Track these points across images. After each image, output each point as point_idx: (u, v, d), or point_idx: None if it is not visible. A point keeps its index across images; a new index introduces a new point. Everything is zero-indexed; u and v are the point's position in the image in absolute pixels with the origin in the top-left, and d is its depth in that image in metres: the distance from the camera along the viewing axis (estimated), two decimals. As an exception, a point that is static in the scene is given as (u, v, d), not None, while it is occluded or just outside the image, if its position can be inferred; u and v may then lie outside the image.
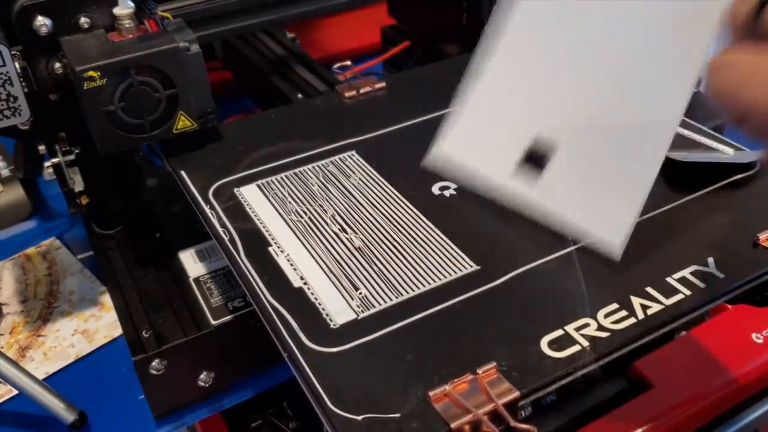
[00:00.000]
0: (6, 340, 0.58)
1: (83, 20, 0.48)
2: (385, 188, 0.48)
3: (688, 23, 0.34)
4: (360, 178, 0.49)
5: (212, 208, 0.46)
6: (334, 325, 0.38)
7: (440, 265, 0.41)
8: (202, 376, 0.49)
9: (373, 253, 0.42)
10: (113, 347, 0.58)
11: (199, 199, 0.47)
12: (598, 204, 0.37)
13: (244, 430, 0.51)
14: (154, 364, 0.46)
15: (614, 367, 0.39)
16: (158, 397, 0.48)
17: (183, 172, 0.50)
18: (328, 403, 0.33)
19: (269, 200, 0.47)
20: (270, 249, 0.43)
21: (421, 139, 0.52)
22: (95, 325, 0.59)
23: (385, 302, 0.39)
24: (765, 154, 0.45)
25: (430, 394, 0.33)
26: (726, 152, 0.49)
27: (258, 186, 0.48)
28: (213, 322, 0.48)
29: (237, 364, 0.50)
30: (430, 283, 0.40)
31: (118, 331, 0.58)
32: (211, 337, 0.48)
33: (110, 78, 0.45)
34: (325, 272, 0.41)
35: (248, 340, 0.49)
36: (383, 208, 0.46)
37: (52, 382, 0.55)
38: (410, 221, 0.45)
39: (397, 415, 0.33)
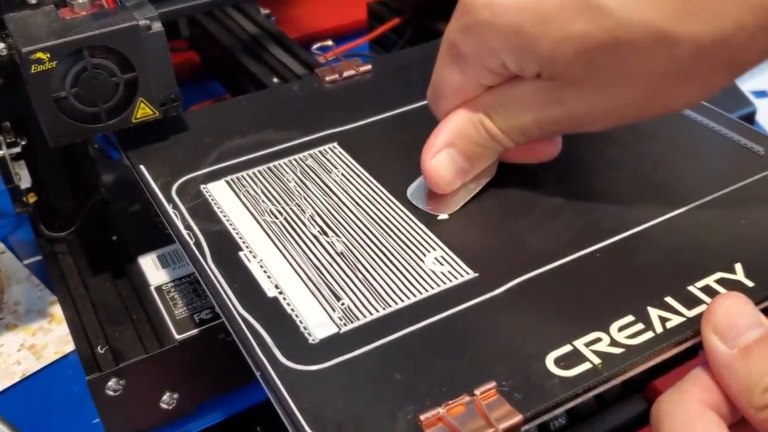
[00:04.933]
0: (-58, 356, 0.58)
1: (30, -6, 0.47)
2: (371, 185, 0.48)
3: None
4: (342, 174, 0.49)
5: (176, 207, 0.46)
6: (313, 339, 0.37)
7: (433, 272, 0.41)
8: (164, 397, 0.48)
9: (357, 258, 0.42)
10: (64, 364, 0.58)
11: (161, 197, 0.47)
12: None
13: (213, 458, 0.51)
14: (110, 383, 0.46)
15: (630, 386, 0.39)
16: (115, 420, 0.48)
17: (143, 167, 0.50)
18: (306, 428, 0.33)
19: (240, 198, 0.47)
20: (241, 254, 0.43)
21: (412, 129, 0.52)
22: (44, 340, 0.59)
23: (371, 314, 0.39)
24: None
25: (422, 417, 0.33)
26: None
27: (227, 182, 0.48)
28: (177, 337, 0.48)
29: (204, 383, 0.50)
30: (421, 293, 0.40)
31: (70, 346, 0.58)
32: (174, 353, 0.48)
33: (61, 60, 0.45)
34: (302, 280, 0.41)
35: (217, 356, 0.49)
36: (369, 207, 0.46)
37: (-6, 404, 0.54)
38: (399, 223, 0.44)
39: (385, 441, 0.33)
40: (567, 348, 0.36)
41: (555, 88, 0.40)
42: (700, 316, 0.37)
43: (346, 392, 0.35)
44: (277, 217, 0.45)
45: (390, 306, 0.39)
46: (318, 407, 0.34)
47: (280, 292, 0.40)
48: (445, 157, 0.44)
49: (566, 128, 0.43)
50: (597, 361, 0.35)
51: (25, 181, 0.57)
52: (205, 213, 0.46)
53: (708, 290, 0.39)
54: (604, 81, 0.39)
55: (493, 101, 0.42)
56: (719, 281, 0.39)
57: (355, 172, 0.49)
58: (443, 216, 0.45)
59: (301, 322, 0.38)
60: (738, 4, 0.35)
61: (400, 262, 0.42)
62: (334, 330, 0.38)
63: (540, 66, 0.39)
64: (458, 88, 0.43)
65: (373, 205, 0.46)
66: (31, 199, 0.58)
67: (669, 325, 0.37)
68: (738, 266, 0.40)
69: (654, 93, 0.39)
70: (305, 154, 0.51)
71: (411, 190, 0.47)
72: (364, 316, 0.39)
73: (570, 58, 0.38)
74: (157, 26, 0.48)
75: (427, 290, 0.40)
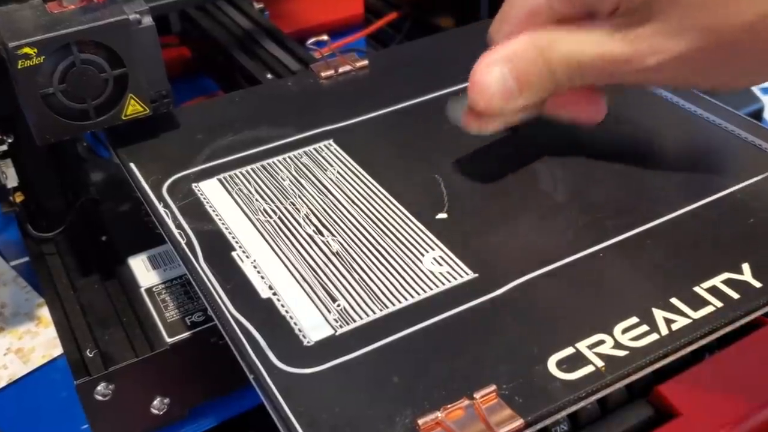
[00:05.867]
0: (-73, 360, 0.58)
1: (17, -12, 0.47)
2: (368, 183, 0.47)
3: None
4: (338, 172, 0.49)
5: (167, 206, 0.46)
6: (308, 342, 0.37)
7: (432, 272, 0.41)
8: (155, 402, 0.48)
9: (353, 258, 0.42)
10: (52, 369, 0.58)
11: (152, 196, 0.47)
12: None
13: (205, 464, 0.51)
14: (99, 388, 0.46)
15: (634, 391, 0.39)
16: (104, 426, 0.48)
17: (133, 165, 0.49)
18: (301, 432, 0.33)
19: (233, 197, 0.47)
20: (234, 254, 0.43)
21: (409, 126, 0.52)
22: (31, 343, 0.59)
23: (368, 316, 0.39)
24: None
25: (420, 422, 0.33)
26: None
27: (220, 180, 0.48)
28: (168, 340, 0.48)
29: (196, 387, 0.50)
30: (419, 294, 0.40)
31: (58, 349, 0.58)
32: (166, 356, 0.47)
33: (49, 55, 0.45)
34: (297, 281, 0.41)
35: (209, 360, 0.48)
36: (365, 206, 0.46)
37: (-20, 409, 0.54)
38: (397, 222, 0.44)
39: (382, 446, 0.32)
40: (569, 350, 0.36)
41: (626, 25, 0.40)
42: (706, 317, 0.37)
43: (342, 396, 0.35)
44: (271, 216, 0.45)
45: (387, 307, 0.39)
46: (313, 411, 0.34)
47: (274, 293, 0.40)
48: (498, 71, 0.43)
49: (624, 73, 0.42)
50: (600, 363, 0.35)
51: (11, 179, 0.57)
52: (196, 212, 0.46)
53: (715, 291, 0.38)
54: (679, 21, 0.39)
55: (559, 31, 0.42)
56: (726, 282, 0.39)
57: (351, 170, 0.49)
58: (442, 215, 0.45)
59: (295, 323, 0.38)
60: None
61: (397, 262, 0.42)
62: (329, 332, 0.38)
63: None
64: (530, 12, 0.43)
65: (370, 203, 0.46)
66: (18, 198, 0.58)
67: (674, 327, 0.37)
68: (745, 266, 0.40)
69: (723, 47, 0.39)
70: (300, 151, 0.51)
71: (449, 103, 0.47)
72: (361, 318, 0.39)
73: None
74: (148, 21, 0.48)
75: (425, 291, 0.40)
